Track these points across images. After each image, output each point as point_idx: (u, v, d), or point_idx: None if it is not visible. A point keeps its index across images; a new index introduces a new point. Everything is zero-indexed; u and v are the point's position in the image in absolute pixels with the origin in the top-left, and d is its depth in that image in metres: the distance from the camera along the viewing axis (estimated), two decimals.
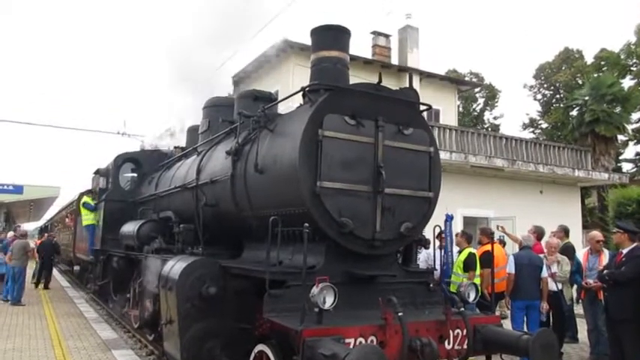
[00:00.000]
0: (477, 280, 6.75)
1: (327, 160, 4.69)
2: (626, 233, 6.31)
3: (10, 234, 15.65)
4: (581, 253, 8.08)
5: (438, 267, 6.36)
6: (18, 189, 28.42)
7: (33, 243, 30.19)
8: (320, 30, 5.43)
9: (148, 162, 11.11)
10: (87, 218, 13.22)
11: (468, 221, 14.98)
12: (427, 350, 4.12)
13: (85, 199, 13.23)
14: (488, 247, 6.77)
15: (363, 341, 3.95)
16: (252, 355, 4.73)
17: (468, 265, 7.30)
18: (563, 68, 36.09)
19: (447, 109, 20.92)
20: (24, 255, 12.39)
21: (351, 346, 3.82)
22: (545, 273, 7.22)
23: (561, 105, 34.43)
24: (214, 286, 5.23)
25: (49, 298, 13.35)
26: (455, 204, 11.53)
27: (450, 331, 4.47)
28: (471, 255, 7.35)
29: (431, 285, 5.37)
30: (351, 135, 4.84)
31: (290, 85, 16.03)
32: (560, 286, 7.51)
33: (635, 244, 6.19)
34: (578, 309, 8.50)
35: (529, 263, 7.10)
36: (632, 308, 5.96)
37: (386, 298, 4.21)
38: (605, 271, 6.41)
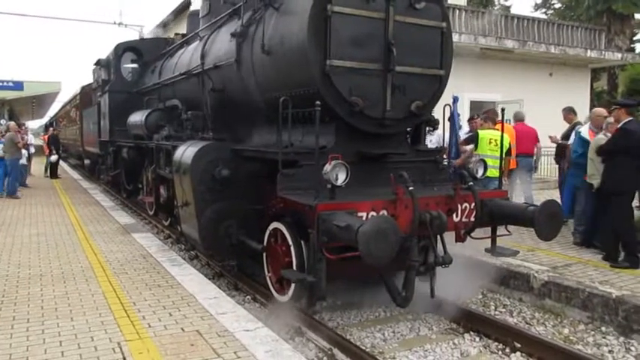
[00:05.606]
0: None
1: (336, 38, 4.55)
2: (623, 108, 6.21)
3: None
4: (585, 131, 7.92)
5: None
6: (18, 85, 28.05)
7: (41, 139, 30.53)
8: None
9: (149, 51, 10.82)
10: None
11: (475, 105, 14.83)
12: (436, 222, 4.30)
13: None
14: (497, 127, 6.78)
15: (375, 215, 4.11)
16: (267, 232, 4.96)
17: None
18: None
19: None
20: (13, 147, 12.27)
21: (364, 219, 3.98)
22: None
23: None
24: (227, 168, 5.35)
25: (65, 189, 13.74)
26: (462, 88, 11.28)
27: (459, 205, 4.63)
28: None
29: (440, 163, 5.47)
30: (361, 10, 4.65)
31: None
32: None
33: (630, 118, 6.11)
34: None
35: None
36: (613, 179, 6.00)
37: (397, 173, 4.30)
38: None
